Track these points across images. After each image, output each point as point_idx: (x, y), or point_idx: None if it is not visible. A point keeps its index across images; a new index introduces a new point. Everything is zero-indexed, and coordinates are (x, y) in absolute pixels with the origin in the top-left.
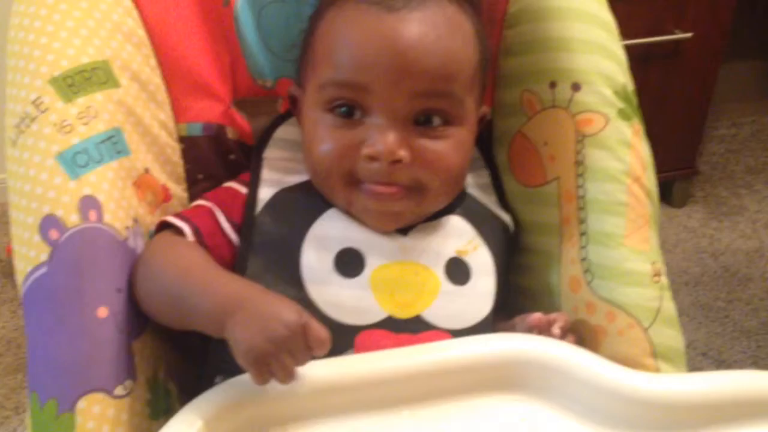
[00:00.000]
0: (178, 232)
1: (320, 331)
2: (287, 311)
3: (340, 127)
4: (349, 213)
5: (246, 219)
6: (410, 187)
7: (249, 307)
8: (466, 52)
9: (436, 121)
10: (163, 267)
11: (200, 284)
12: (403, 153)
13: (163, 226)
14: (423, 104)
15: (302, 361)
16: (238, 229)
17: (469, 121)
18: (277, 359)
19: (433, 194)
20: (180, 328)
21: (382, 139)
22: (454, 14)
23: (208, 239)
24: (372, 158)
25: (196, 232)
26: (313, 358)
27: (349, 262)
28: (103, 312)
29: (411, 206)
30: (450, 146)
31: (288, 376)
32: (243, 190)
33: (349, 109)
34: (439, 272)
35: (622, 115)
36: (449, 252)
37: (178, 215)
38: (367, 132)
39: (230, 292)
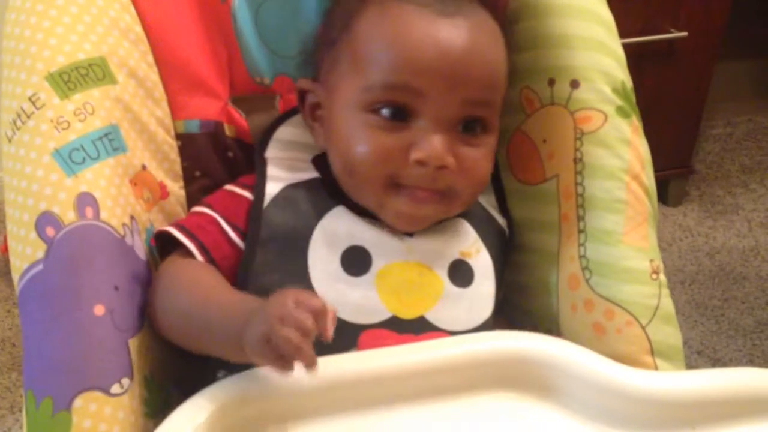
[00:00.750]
0: (185, 250)
1: (313, 300)
2: (281, 297)
3: (384, 129)
4: (358, 211)
5: (254, 213)
6: (444, 193)
7: (256, 313)
8: (504, 62)
9: (478, 128)
10: (180, 296)
11: (217, 310)
12: (450, 159)
13: (167, 240)
14: (470, 111)
15: (307, 332)
16: (243, 234)
17: (497, 129)
18: (278, 336)
19: (462, 200)
20: (202, 353)
21: (432, 144)
22: (494, 25)
23: (214, 252)
24: (420, 163)
25: (202, 248)
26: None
27: (355, 261)
28: (99, 310)
29: (440, 211)
30: (485, 154)
31: (296, 349)
32: (245, 193)
33: (395, 111)
34: (443, 274)
35: (621, 112)
36: (453, 254)
37: (181, 229)
38: (414, 136)
39: (244, 311)
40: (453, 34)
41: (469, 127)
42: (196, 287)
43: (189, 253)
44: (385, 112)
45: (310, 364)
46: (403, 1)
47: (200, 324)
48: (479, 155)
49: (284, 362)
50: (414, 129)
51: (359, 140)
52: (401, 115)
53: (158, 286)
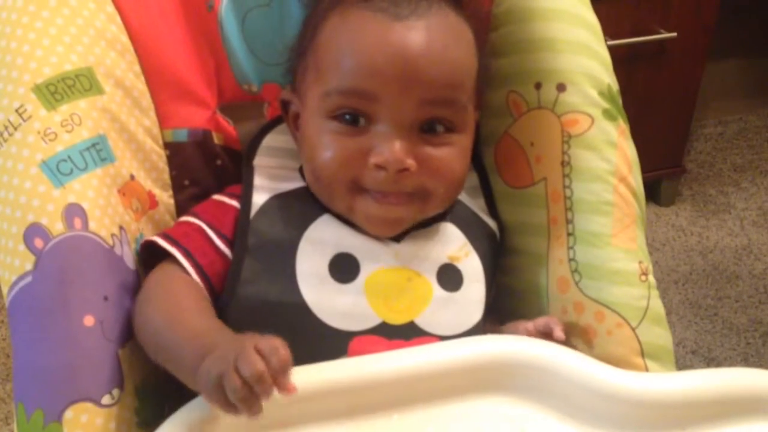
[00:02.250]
0: (172, 258)
1: (267, 341)
2: (241, 340)
3: (345, 135)
4: (344, 218)
5: (240, 223)
6: (414, 194)
7: (215, 351)
8: (469, 59)
9: (440, 128)
10: (154, 310)
11: (182, 333)
12: (410, 161)
13: (153, 250)
14: (429, 112)
15: (259, 378)
16: (229, 243)
17: (470, 128)
18: (228, 384)
19: (436, 201)
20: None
21: (390, 147)
22: (456, 22)
23: (199, 258)
24: (379, 167)
25: (187, 254)
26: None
27: (343, 268)
28: (89, 320)
29: (413, 212)
30: (453, 153)
31: (242, 400)
32: (232, 202)
33: (354, 117)
34: (432, 278)
35: (607, 115)
36: (442, 258)
37: (167, 238)
38: (373, 140)
39: (205, 343)
40: (405, 36)
41: (431, 128)
42: (171, 305)
43: (175, 262)
44: (344, 118)
45: (253, 413)
46: (362, 9)
47: (165, 343)
48: (446, 154)
49: (231, 408)
50: (373, 133)
51: (322, 146)
52: (360, 120)
53: (139, 297)
